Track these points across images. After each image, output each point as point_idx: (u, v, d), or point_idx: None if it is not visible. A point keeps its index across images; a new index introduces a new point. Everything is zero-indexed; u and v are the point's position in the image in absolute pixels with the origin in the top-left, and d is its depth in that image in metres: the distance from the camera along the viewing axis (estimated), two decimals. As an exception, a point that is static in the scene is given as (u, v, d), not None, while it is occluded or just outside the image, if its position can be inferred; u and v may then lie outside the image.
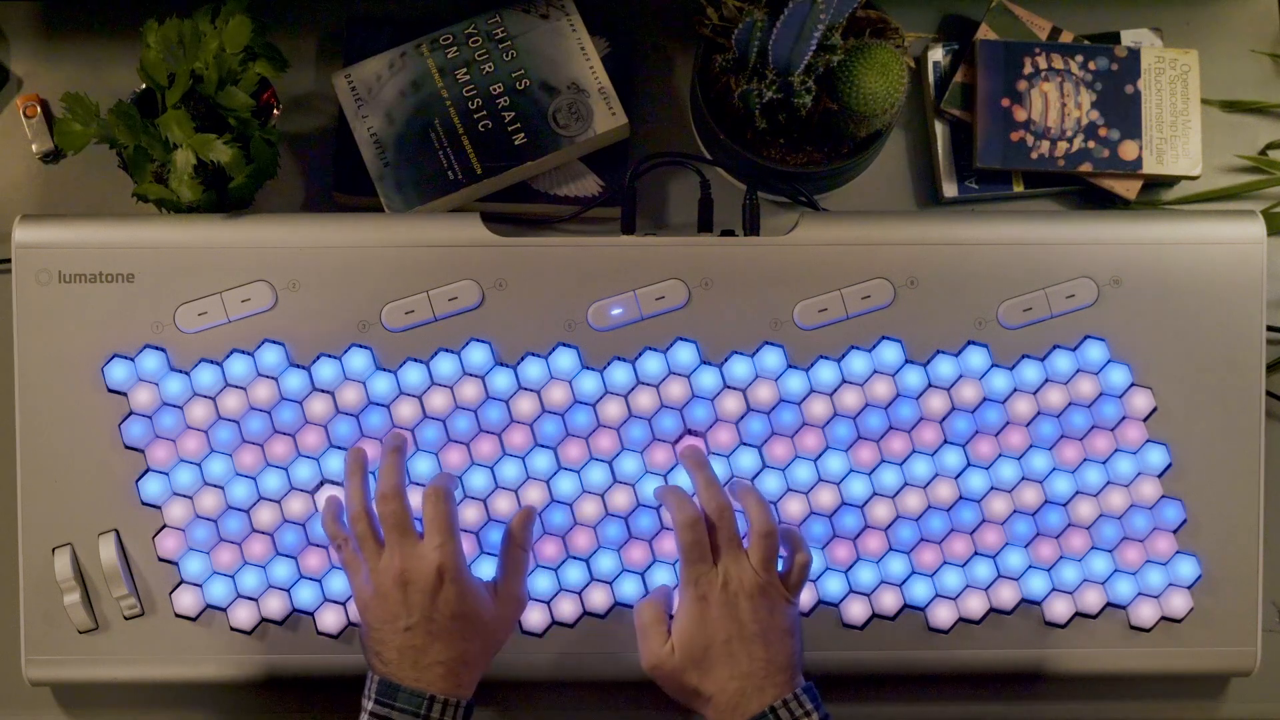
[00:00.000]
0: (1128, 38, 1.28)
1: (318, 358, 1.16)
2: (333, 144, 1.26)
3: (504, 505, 1.15)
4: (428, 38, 1.25)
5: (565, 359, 1.15)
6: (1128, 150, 1.25)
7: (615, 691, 1.20)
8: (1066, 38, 1.27)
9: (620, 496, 1.15)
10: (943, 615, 1.16)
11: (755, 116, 1.18)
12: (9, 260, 1.16)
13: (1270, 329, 1.18)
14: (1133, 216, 1.20)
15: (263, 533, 1.15)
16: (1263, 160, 1.28)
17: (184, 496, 1.15)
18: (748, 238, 1.17)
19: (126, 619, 1.16)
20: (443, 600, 1.05)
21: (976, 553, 1.16)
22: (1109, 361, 1.16)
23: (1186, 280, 1.16)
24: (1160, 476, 1.16)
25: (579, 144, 1.23)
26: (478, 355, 1.15)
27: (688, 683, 1.06)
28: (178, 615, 1.15)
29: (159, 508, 1.15)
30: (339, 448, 1.15)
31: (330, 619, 1.15)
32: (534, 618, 1.15)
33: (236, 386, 1.15)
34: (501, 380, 1.15)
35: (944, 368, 1.16)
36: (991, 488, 1.16)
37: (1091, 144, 1.25)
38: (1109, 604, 1.16)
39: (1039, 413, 1.16)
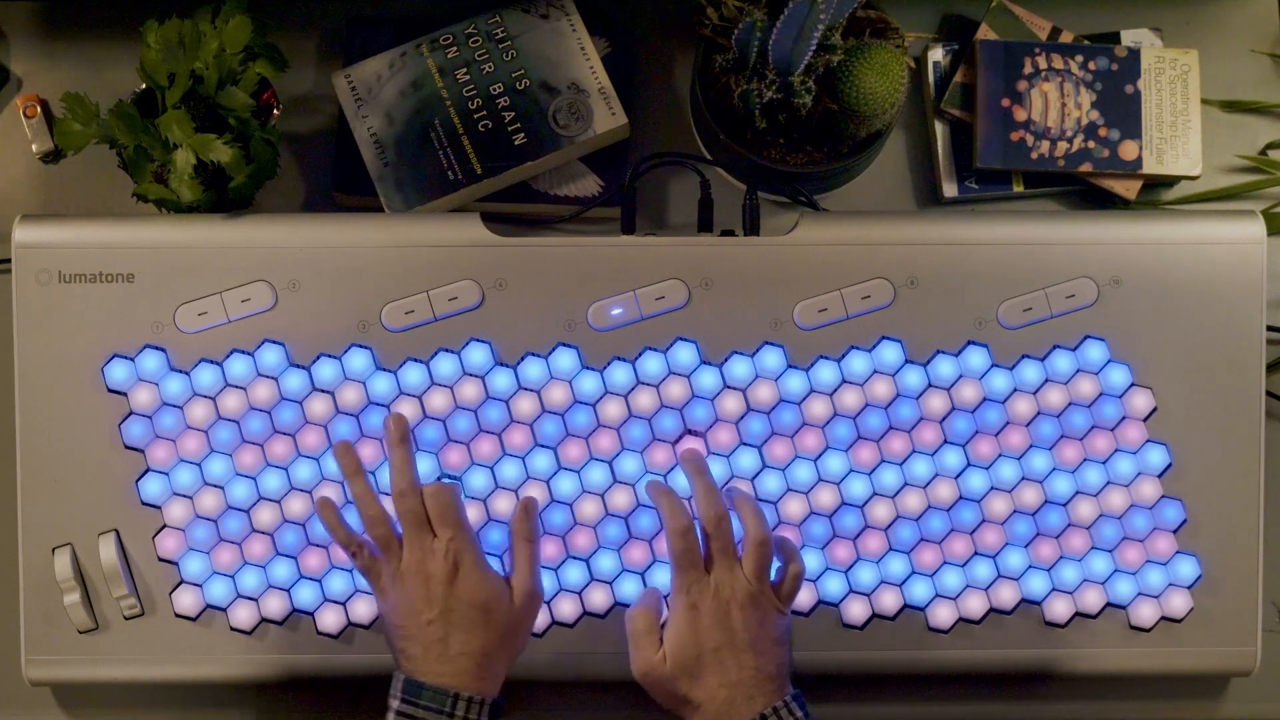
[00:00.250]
0: (1128, 38, 1.28)
1: (318, 358, 1.16)
2: (333, 144, 1.26)
3: (504, 505, 1.15)
4: (428, 38, 1.25)
5: (565, 359, 1.15)
6: (1128, 150, 1.25)
7: (615, 691, 1.20)
8: (1066, 38, 1.27)
9: (620, 496, 1.15)
10: (943, 615, 1.16)
11: (755, 116, 1.18)
12: (9, 260, 1.16)
13: (1270, 329, 1.18)
14: (1133, 216, 1.20)
15: (263, 533, 1.15)
16: (1263, 160, 1.28)
17: (184, 496, 1.15)
18: (748, 238, 1.17)
19: (126, 619, 1.16)
20: (459, 589, 1.05)
21: (976, 553, 1.16)
22: (1109, 361, 1.16)
23: (1186, 280, 1.16)
24: (1160, 476, 1.16)
25: (579, 144, 1.23)
26: (478, 355, 1.15)
27: (678, 690, 1.06)
28: (178, 615, 1.15)
29: (159, 508, 1.15)
30: (339, 448, 1.15)
31: (330, 619, 1.15)
32: (534, 618, 1.15)
33: (236, 386, 1.15)
34: (501, 380, 1.15)
35: (944, 368, 1.16)
36: (991, 488, 1.16)
37: (1091, 144, 1.25)
38: (1109, 604, 1.16)
39: (1039, 413, 1.16)
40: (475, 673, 1.05)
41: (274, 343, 1.15)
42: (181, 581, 1.15)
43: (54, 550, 1.15)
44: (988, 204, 1.28)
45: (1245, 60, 1.30)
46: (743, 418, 1.16)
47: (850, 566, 1.16)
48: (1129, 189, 1.26)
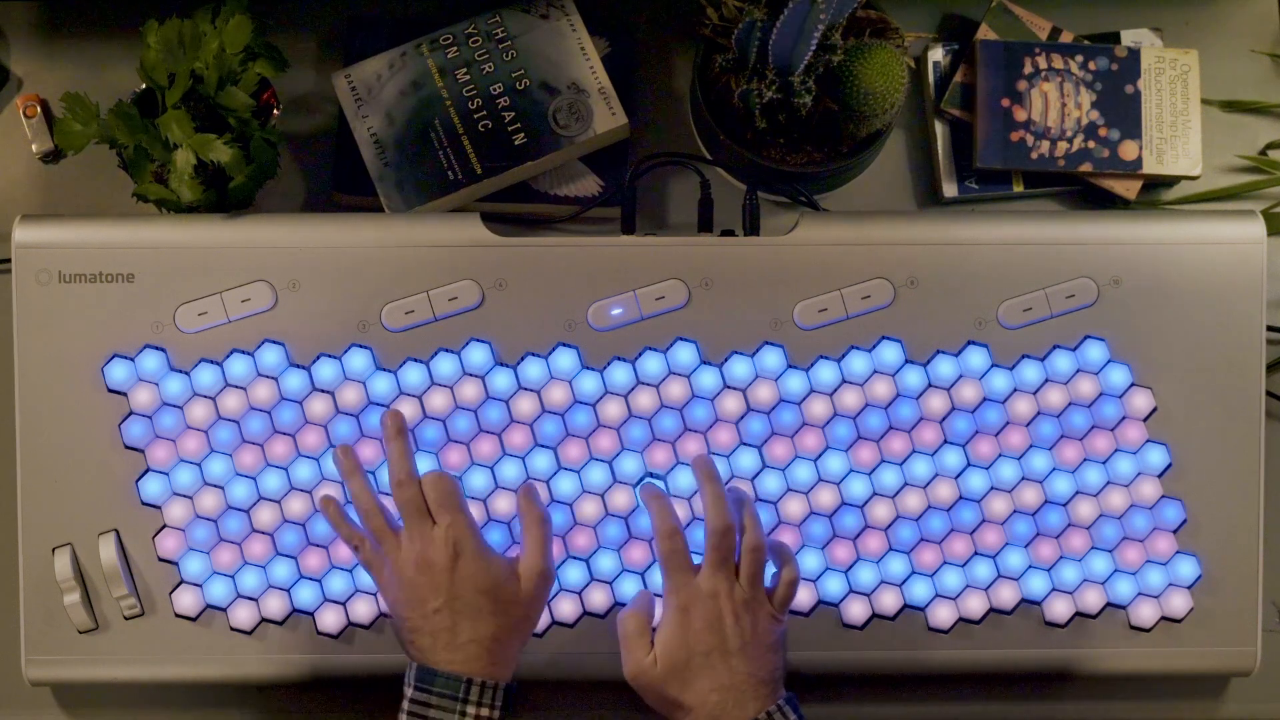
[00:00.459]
0: (1128, 38, 1.28)
1: (318, 358, 1.16)
2: (333, 144, 1.26)
3: (504, 505, 1.15)
4: (428, 38, 1.25)
5: (565, 359, 1.15)
6: (1128, 150, 1.25)
7: (615, 691, 1.20)
8: (1066, 38, 1.27)
9: (620, 496, 1.15)
10: (943, 615, 1.16)
11: (755, 116, 1.18)
12: (9, 260, 1.16)
13: (1270, 329, 1.18)
14: (1133, 216, 1.20)
15: (263, 533, 1.15)
16: (1263, 160, 1.28)
17: (184, 496, 1.15)
18: (748, 238, 1.17)
19: (126, 619, 1.16)
20: (461, 576, 1.05)
21: (976, 553, 1.16)
22: (1109, 361, 1.16)
23: (1186, 280, 1.16)
24: (1160, 476, 1.16)
25: (579, 144, 1.23)
26: (478, 355, 1.15)
27: (668, 693, 1.06)
28: (178, 615, 1.15)
29: (159, 508, 1.15)
30: (339, 448, 1.15)
31: (330, 619, 1.15)
32: (534, 618, 1.15)
33: (236, 386, 1.15)
34: (501, 380, 1.15)
35: (944, 368, 1.16)
36: (991, 488, 1.16)
37: (1091, 144, 1.25)
38: (1109, 604, 1.16)
39: (1039, 413, 1.16)
40: (486, 658, 1.04)
41: (274, 343, 1.15)
42: (181, 581, 1.15)
43: (54, 550, 1.15)
44: (988, 204, 1.28)
45: (1245, 60, 1.30)
46: (743, 418, 1.16)
47: (850, 566, 1.16)
48: (1129, 189, 1.26)
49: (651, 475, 1.15)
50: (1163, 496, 1.16)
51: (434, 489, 1.08)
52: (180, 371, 1.15)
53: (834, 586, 1.16)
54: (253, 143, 1.16)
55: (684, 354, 1.16)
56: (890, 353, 1.16)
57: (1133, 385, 1.16)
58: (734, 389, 1.16)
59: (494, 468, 1.15)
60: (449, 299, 1.15)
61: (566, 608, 1.15)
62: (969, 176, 1.27)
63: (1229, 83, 1.30)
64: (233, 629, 1.15)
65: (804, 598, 1.15)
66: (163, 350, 1.15)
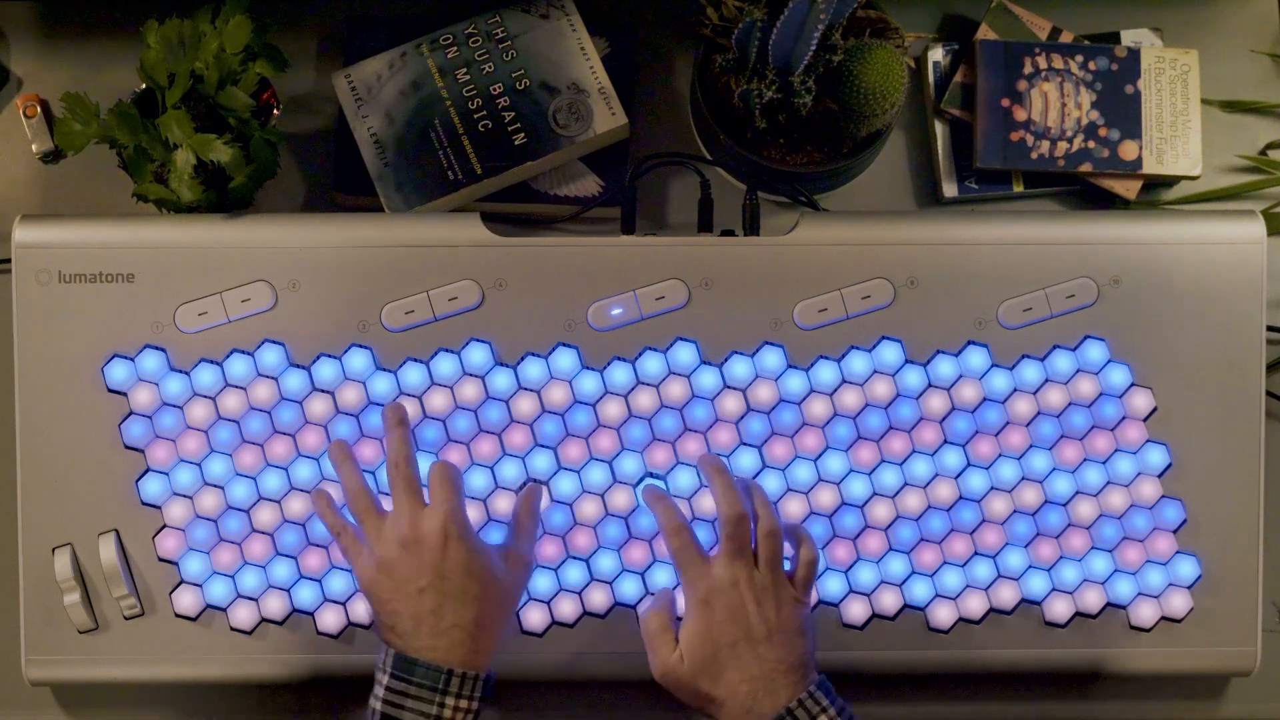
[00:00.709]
0: (1128, 38, 1.28)
1: (318, 358, 1.16)
2: (333, 144, 1.26)
3: (504, 505, 1.15)
4: (428, 38, 1.25)
5: (565, 359, 1.15)
6: (1128, 150, 1.25)
7: (616, 691, 1.20)
8: (1066, 38, 1.27)
9: (620, 496, 1.15)
10: (943, 615, 1.16)
11: (755, 116, 1.18)
12: (9, 260, 1.16)
13: (1270, 329, 1.18)
14: (1133, 216, 1.20)
15: (263, 533, 1.15)
16: (1263, 160, 1.28)
17: (184, 496, 1.15)
18: (748, 238, 1.17)
19: (126, 619, 1.16)
20: (451, 558, 1.05)
21: (976, 553, 1.16)
22: (1109, 361, 1.16)
23: (1186, 280, 1.16)
24: (1160, 476, 1.16)
25: (579, 144, 1.23)
26: (478, 355, 1.15)
27: (700, 689, 1.05)
28: (178, 615, 1.15)
29: (159, 508, 1.15)
30: (339, 448, 1.15)
31: (330, 619, 1.15)
32: (534, 618, 1.15)
33: (236, 386, 1.15)
34: (501, 380, 1.15)
35: (944, 368, 1.16)
36: (991, 488, 1.16)
37: (1091, 144, 1.25)
38: (1109, 604, 1.16)
39: (1039, 413, 1.16)
40: (469, 645, 1.04)
41: (274, 343, 1.15)
42: (181, 581, 1.15)
43: (54, 550, 1.15)
44: (988, 204, 1.28)
45: (1245, 60, 1.30)
46: (743, 418, 1.16)
47: (850, 566, 1.16)
48: (1129, 189, 1.26)
49: (651, 475, 1.15)
50: (1163, 496, 1.16)
51: (438, 473, 1.08)
52: (180, 371, 1.15)
53: (834, 586, 1.16)
54: (253, 143, 1.16)
55: (684, 354, 1.16)
56: (890, 353, 1.16)
57: (1133, 385, 1.16)
58: (734, 389, 1.16)
59: (494, 468, 1.15)
60: (449, 299, 1.15)
61: (566, 608, 1.15)
62: (969, 176, 1.27)
63: (1229, 83, 1.29)
64: (233, 629, 1.15)
65: (804, 598, 1.16)
66: (163, 350, 1.15)
